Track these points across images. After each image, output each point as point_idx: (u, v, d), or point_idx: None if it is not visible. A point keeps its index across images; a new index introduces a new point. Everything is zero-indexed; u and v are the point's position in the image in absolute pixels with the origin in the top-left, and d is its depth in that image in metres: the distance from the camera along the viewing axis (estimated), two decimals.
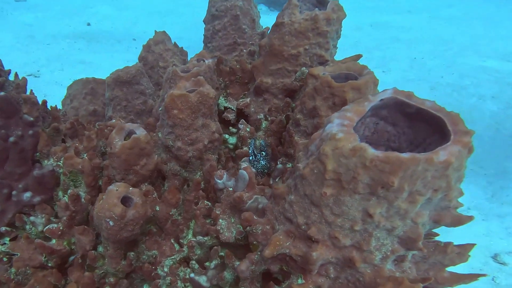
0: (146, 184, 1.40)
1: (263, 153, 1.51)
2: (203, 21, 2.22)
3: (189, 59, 2.40)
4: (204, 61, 1.72)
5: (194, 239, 1.26)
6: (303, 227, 1.02)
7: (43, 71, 4.97)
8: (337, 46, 1.84)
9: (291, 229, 1.06)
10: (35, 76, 4.83)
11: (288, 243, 1.07)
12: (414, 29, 6.74)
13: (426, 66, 5.40)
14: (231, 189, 1.28)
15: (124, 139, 1.33)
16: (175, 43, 2.32)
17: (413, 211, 0.89)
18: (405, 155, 0.81)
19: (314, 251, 0.97)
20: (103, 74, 2.36)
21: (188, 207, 1.35)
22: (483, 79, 4.92)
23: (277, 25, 1.71)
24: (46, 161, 1.42)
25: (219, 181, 1.29)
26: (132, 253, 1.31)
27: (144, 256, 1.34)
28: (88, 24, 6.46)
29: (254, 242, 1.17)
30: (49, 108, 1.86)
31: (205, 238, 1.29)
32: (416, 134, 1.01)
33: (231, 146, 1.82)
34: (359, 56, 1.86)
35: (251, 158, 1.52)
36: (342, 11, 1.72)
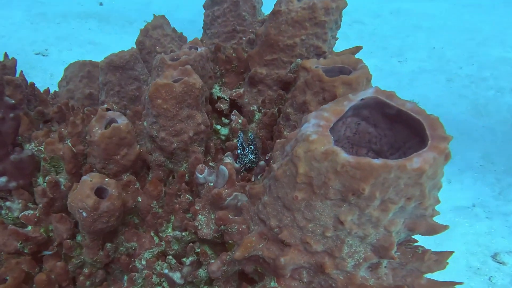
0: (128, 174, 1.38)
1: (251, 147, 1.48)
2: (203, 6, 2.18)
3: None
4: (196, 49, 1.68)
5: (171, 234, 1.25)
6: (275, 230, 1.00)
7: (51, 50, 4.99)
8: (336, 36, 1.78)
9: (264, 231, 1.04)
10: (43, 55, 4.86)
11: (261, 245, 1.05)
12: (437, 17, 6.54)
13: (445, 56, 5.25)
14: (211, 184, 1.26)
15: (106, 128, 1.31)
16: (173, 28, 2.28)
17: (386, 219, 0.86)
18: (377, 162, 0.77)
19: (282, 257, 0.94)
20: None
21: (169, 200, 1.33)
22: (504, 71, 4.75)
23: (274, 13, 1.66)
24: (28, 145, 1.42)
25: (200, 175, 1.27)
26: (110, 244, 1.31)
27: (122, 248, 1.33)
28: (101, 4, 6.45)
29: (230, 241, 1.15)
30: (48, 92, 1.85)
31: (183, 234, 1.27)
32: (397, 137, 0.96)
33: (223, 137, 1.80)
34: (358, 48, 1.80)
35: (239, 151, 1.49)
36: (343, 0, 1.66)
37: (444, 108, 4.04)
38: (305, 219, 0.93)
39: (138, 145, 1.51)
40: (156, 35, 2.20)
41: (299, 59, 1.63)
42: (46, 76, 4.40)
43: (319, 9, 1.59)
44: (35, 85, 1.86)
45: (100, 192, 1.19)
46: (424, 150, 0.80)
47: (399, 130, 0.95)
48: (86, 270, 1.24)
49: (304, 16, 1.60)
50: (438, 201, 0.90)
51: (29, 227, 1.28)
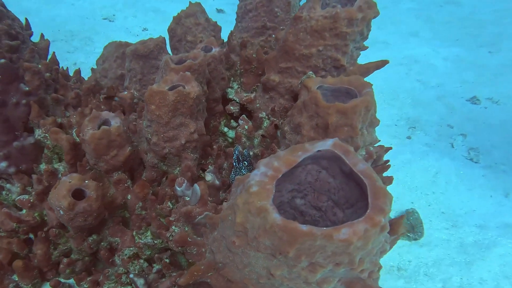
0: (119, 172, 1.44)
1: (245, 162, 1.46)
2: None
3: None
4: (211, 49, 1.67)
5: (142, 241, 1.30)
6: (220, 264, 1.00)
7: (118, 16, 5.20)
8: (363, 46, 1.66)
9: (213, 262, 1.04)
10: (110, 21, 5.09)
11: (210, 274, 1.06)
12: None
13: None
14: (187, 198, 1.28)
15: (100, 127, 1.37)
16: (207, 18, 2.27)
17: (315, 279, 0.82)
18: (303, 228, 0.75)
19: None
20: None
21: (152, 205, 1.38)
22: None
23: (295, 19, 1.60)
24: (37, 131, 1.53)
25: (178, 188, 1.29)
26: (91, 238, 1.39)
27: (103, 243, 1.41)
28: None
29: (190, 260, 1.17)
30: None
31: (156, 241, 1.31)
32: (351, 194, 0.91)
33: (230, 140, 1.80)
34: (384, 62, 1.68)
35: (234, 163, 1.49)
36: (373, 9, 1.54)
37: None
38: (242, 263, 0.93)
39: (136, 144, 1.57)
40: (188, 24, 2.21)
41: (311, 72, 1.55)
42: (106, 42, 4.60)
43: (342, 19, 1.50)
44: (64, 67, 1.97)
45: (80, 192, 1.25)
46: (358, 220, 0.75)
47: (352, 188, 0.90)
48: (65, 260, 1.33)
49: (324, 26, 1.52)
50: (377, 266, 0.85)
51: (24, 211, 1.39)
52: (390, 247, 1.43)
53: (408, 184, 3.65)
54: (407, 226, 3.15)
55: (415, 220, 3.18)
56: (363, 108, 1.24)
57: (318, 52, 1.56)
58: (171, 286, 1.11)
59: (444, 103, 5.02)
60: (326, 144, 0.89)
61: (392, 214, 3.35)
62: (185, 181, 1.30)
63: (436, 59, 5.80)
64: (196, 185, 1.23)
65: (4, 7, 1.71)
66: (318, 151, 0.88)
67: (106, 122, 1.39)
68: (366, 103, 1.24)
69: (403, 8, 7.25)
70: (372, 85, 1.31)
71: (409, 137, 4.33)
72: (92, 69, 2.41)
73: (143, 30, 4.99)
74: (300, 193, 1.06)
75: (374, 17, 1.59)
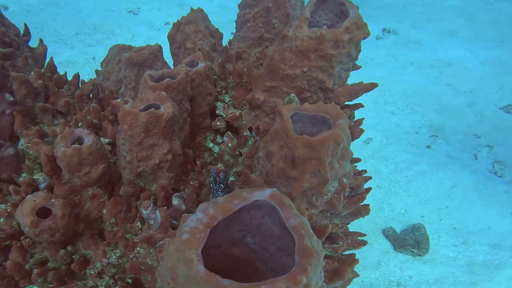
0: (94, 187, 1.46)
1: (222, 185, 1.45)
2: (238, 5, 2.10)
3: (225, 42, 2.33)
4: (198, 64, 1.65)
5: (105, 260, 1.32)
6: None
7: (142, 9, 5.26)
8: (351, 68, 1.60)
9: None
10: (134, 13, 5.15)
11: None
12: None
13: None
14: (151, 222, 1.28)
15: (74, 143, 1.39)
16: (207, 25, 2.25)
17: None
18: (224, 282, 0.77)
19: None
20: None
21: (121, 223, 1.39)
22: None
23: (282, 37, 1.57)
24: (22, 139, 1.57)
25: (144, 211, 1.30)
26: (63, 250, 1.43)
27: (75, 256, 1.44)
28: None
29: (146, 286, 1.17)
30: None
31: (121, 261, 1.33)
32: (289, 244, 0.88)
33: (216, 156, 1.78)
34: (374, 85, 1.61)
35: (212, 185, 1.48)
36: (362, 30, 1.48)
37: None
38: None
39: (116, 158, 1.58)
40: (188, 30, 2.20)
41: (293, 94, 1.51)
42: (128, 36, 4.69)
43: (327, 41, 1.45)
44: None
45: (47, 209, 1.28)
46: (281, 277, 0.75)
47: (288, 239, 0.87)
48: (35, 271, 1.37)
49: (309, 46, 1.48)
50: None
51: (1, 219, 1.44)
52: None
53: (420, 197, 3.54)
54: (412, 241, 3.06)
55: (421, 235, 3.09)
56: (332, 143, 1.20)
57: (302, 73, 1.52)
58: None
59: (473, 111, 4.80)
60: (264, 195, 0.87)
61: (399, 228, 3.27)
62: (151, 204, 1.31)
63: (472, 62, 5.55)
64: (157, 212, 1.23)
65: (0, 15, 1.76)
66: (256, 200, 0.86)
67: (80, 139, 1.40)
68: (335, 138, 1.20)
69: (446, 5, 6.93)
70: (346, 116, 1.26)
71: (428, 146, 4.18)
72: (96, 71, 2.46)
73: (165, 24, 5.03)
74: (249, 232, 1.04)
75: (364, 38, 1.53)
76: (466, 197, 3.61)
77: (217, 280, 0.76)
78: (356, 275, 1.45)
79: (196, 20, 2.23)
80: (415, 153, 3.93)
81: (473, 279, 2.91)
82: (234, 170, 1.71)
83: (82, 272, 1.47)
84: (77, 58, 4.27)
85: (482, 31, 6.20)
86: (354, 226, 3.08)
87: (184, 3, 5.53)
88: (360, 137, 3.92)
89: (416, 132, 4.45)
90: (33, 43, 2.03)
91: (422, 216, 3.43)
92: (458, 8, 6.63)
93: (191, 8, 2.29)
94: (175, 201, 1.38)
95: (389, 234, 3.09)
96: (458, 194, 3.60)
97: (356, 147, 3.76)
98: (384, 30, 5.87)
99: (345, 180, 1.35)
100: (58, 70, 2.07)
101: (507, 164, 4.14)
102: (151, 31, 4.85)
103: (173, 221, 1.36)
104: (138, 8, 5.28)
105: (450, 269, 2.98)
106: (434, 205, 3.47)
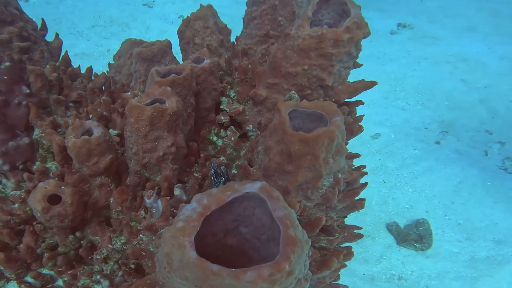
0: (102, 177, 1.54)
1: (222, 178, 1.51)
2: (246, 3, 2.14)
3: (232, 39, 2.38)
4: (204, 60, 1.71)
5: (110, 246, 1.40)
6: (160, 282, 1.07)
7: (157, 2, 5.34)
8: (351, 66, 1.63)
9: (155, 279, 1.11)
10: (149, 6, 5.23)
11: None
12: None
13: None
14: (154, 211, 1.36)
15: (84, 134, 1.47)
16: (215, 21, 2.30)
17: None
18: (213, 268, 0.84)
19: None
20: None
21: (126, 212, 1.47)
22: None
23: (284, 36, 1.62)
24: (37, 129, 1.66)
25: (147, 200, 1.37)
26: (72, 236, 1.51)
27: (83, 241, 1.53)
28: None
29: (146, 271, 1.25)
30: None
31: (125, 247, 1.41)
32: (277, 235, 0.94)
33: (219, 149, 1.84)
34: (373, 83, 1.65)
35: (213, 178, 1.54)
36: (363, 29, 1.52)
37: None
38: (174, 287, 0.99)
39: (123, 149, 1.66)
40: (197, 26, 2.26)
41: (293, 92, 1.56)
42: (143, 29, 4.78)
43: (327, 40, 1.50)
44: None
45: (57, 196, 1.36)
46: (266, 264, 0.81)
47: (276, 229, 0.93)
48: (46, 254, 1.46)
49: (310, 45, 1.53)
50: None
51: (16, 205, 1.54)
52: (333, 279, 1.45)
53: (426, 192, 3.55)
54: (415, 236, 3.09)
55: (424, 230, 3.12)
56: (327, 139, 1.25)
57: (303, 71, 1.57)
58: None
59: (487, 107, 4.76)
60: (254, 187, 0.93)
61: (403, 223, 3.30)
62: (154, 194, 1.38)
63: (489, 58, 5.48)
64: (159, 201, 1.30)
65: (19, 10, 1.84)
66: (247, 192, 0.92)
67: (89, 131, 1.48)
68: (330, 134, 1.25)
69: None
70: (342, 114, 1.30)
71: (438, 142, 4.17)
72: (109, 64, 2.54)
73: (179, 17, 5.10)
74: (242, 222, 1.11)
75: (365, 37, 1.56)
76: (473, 194, 3.61)
77: (206, 265, 0.83)
78: (343, 265, 1.50)
79: (205, 16, 2.29)
80: (423, 149, 3.93)
81: (475, 274, 2.93)
82: (236, 163, 1.77)
83: (90, 257, 1.56)
84: (92, 50, 4.38)
85: (503, 27, 6.09)
86: (357, 220, 3.13)
87: None
88: (368, 132, 3.93)
89: (426, 128, 4.44)
90: (50, 35, 2.12)
91: (427, 212, 3.45)
92: (479, 2, 6.52)
93: (201, 5, 2.34)
94: (176, 192, 1.45)
95: (392, 229, 3.13)
96: (465, 190, 3.60)
97: (364, 142, 3.78)
98: (399, 24, 5.83)
99: (339, 175, 1.40)
100: (73, 62, 2.16)
101: None
102: (165, 24, 4.93)
103: (174, 211, 1.43)
104: (153, 1, 5.36)
105: (452, 264, 3.00)
106: (440, 201, 3.48)
